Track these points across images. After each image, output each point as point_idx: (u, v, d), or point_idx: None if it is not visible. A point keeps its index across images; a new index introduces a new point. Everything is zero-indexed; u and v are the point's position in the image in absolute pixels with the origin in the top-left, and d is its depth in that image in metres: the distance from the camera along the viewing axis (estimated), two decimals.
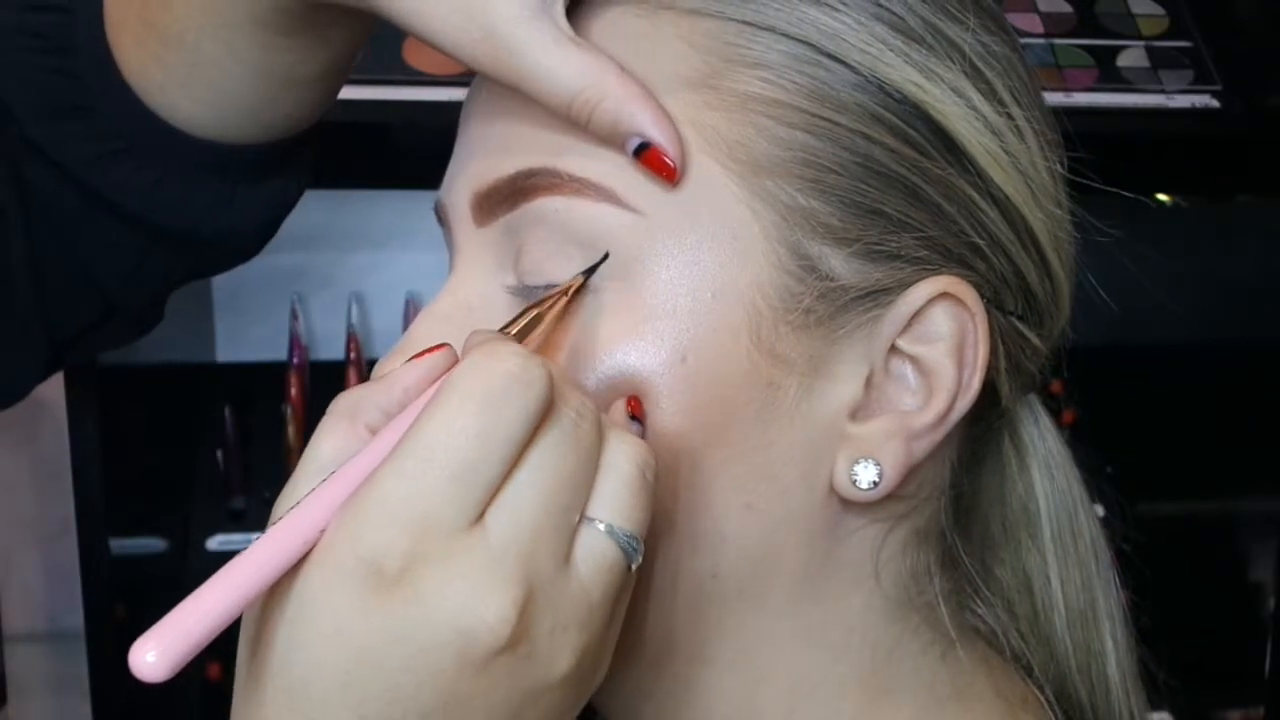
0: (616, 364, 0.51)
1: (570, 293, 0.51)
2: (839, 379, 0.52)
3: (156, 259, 0.67)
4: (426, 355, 0.48)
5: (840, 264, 0.51)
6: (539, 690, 0.45)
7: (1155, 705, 0.63)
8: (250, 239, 0.69)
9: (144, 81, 0.62)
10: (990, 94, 0.52)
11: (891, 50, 0.51)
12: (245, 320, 1.60)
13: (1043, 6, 1.41)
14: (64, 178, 0.65)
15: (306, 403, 1.52)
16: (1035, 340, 0.55)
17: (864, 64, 0.51)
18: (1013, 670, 0.58)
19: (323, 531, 0.44)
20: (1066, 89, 1.33)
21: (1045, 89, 0.56)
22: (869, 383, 0.52)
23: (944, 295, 0.51)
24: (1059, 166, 0.55)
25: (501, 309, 0.53)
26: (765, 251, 0.51)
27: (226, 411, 1.50)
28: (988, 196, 0.52)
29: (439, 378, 0.48)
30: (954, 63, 0.52)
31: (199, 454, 1.53)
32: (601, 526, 0.46)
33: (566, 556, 0.45)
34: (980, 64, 0.52)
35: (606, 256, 0.51)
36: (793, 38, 0.51)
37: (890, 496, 0.52)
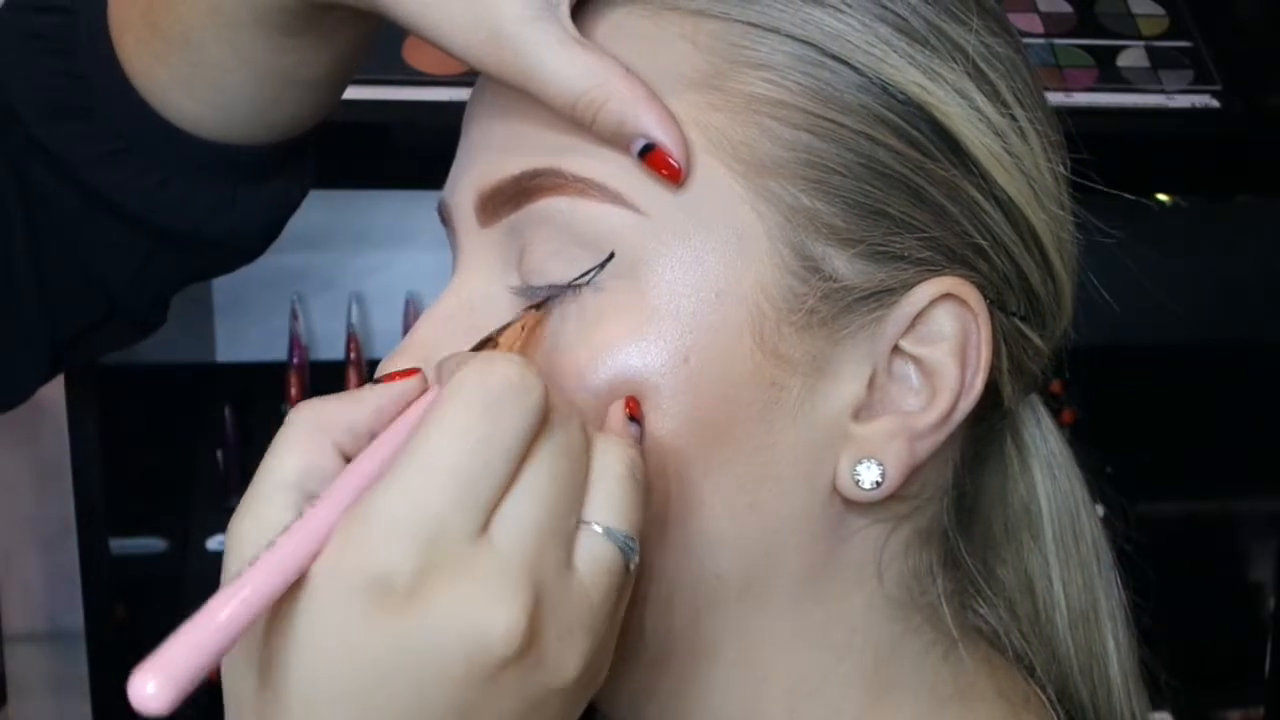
0: (619, 364, 0.51)
1: (525, 329, 0.51)
2: (842, 379, 0.52)
3: (160, 260, 0.67)
4: (399, 379, 0.48)
5: (844, 265, 0.51)
6: (546, 695, 0.45)
7: (1156, 705, 0.63)
8: (254, 240, 0.69)
9: (147, 82, 0.62)
10: (994, 95, 0.52)
11: (895, 51, 0.51)
12: (245, 320, 1.60)
13: (1043, 6, 1.41)
14: (67, 178, 0.65)
15: None
16: (1037, 341, 0.55)
17: (868, 65, 0.51)
18: (1015, 670, 0.58)
19: (315, 555, 0.43)
20: (1066, 89, 1.33)
21: (1045, 89, 0.56)
22: (872, 383, 0.52)
23: (947, 296, 0.51)
24: (1062, 167, 0.55)
25: (505, 309, 0.53)
26: (769, 252, 0.51)
27: (226, 411, 1.50)
28: (991, 198, 0.52)
29: (410, 401, 0.48)
30: (957, 64, 0.52)
31: (199, 454, 1.53)
32: (599, 529, 0.46)
33: (568, 561, 0.45)
34: (984, 65, 0.52)
35: (611, 257, 0.51)
36: (797, 39, 0.51)
37: (893, 497, 0.52)
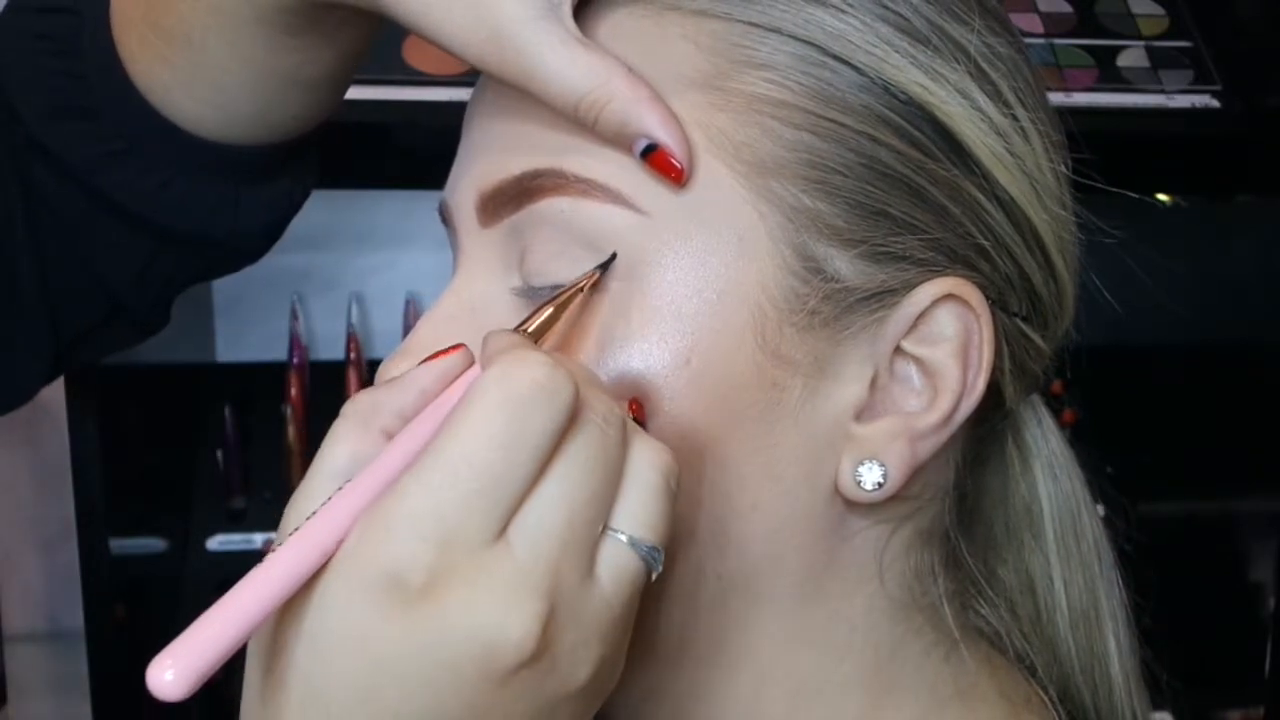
0: (622, 365, 0.51)
1: (586, 288, 0.50)
2: (844, 380, 0.52)
3: (162, 260, 0.67)
4: (442, 356, 0.48)
5: (845, 265, 0.51)
6: (558, 701, 0.45)
7: (1157, 705, 0.63)
8: (256, 240, 0.69)
9: (149, 82, 0.62)
10: (995, 95, 0.52)
11: (897, 52, 0.51)
12: (245, 320, 1.60)
13: (1043, 6, 1.41)
14: (69, 179, 0.65)
15: (306, 403, 1.52)
16: (1039, 341, 0.55)
17: (869, 65, 0.51)
18: (1016, 671, 0.58)
19: (341, 542, 0.44)
20: (1066, 89, 1.33)
21: (1045, 89, 0.56)
22: (874, 384, 0.52)
23: (949, 297, 0.51)
24: (1063, 168, 0.55)
25: (506, 310, 0.53)
26: (770, 253, 0.51)
27: (226, 411, 1.50)
28: (993, 198, 0.52)
29: (455, 379, 0.47)
30: (959, 64, 0.52)
31: (199, 454, 1.53)
32: (624, 538, 0.45)
33: (590, 568, 0.45)
34: (985, 65, 0.52)
35: (614, 256, 0.51)
36: (798, 39, 0.51)
37: (894, 497, 0.52)
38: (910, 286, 0.51)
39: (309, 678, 0.43)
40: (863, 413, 0.52)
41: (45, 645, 1.59)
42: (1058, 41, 1.38)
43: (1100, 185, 0.58)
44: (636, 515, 0.46)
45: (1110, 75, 1.35)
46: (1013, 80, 0.53)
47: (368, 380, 1.40)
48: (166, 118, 0.63)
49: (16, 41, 0.65)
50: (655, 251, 0.51)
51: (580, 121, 0.50)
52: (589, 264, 0.51)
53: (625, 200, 0.51)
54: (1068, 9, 1.41)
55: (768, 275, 0.51)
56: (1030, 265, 0.54)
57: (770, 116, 0.51)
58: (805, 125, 0.51)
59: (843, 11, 0.51)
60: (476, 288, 0.54)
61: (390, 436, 0.46)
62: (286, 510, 0.46)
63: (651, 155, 0.50)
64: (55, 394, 1.22)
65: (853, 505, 0.53)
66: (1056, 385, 0.60)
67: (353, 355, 1.53)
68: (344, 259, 1.61)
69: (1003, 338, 0.53)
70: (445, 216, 0.56)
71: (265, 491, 1.51)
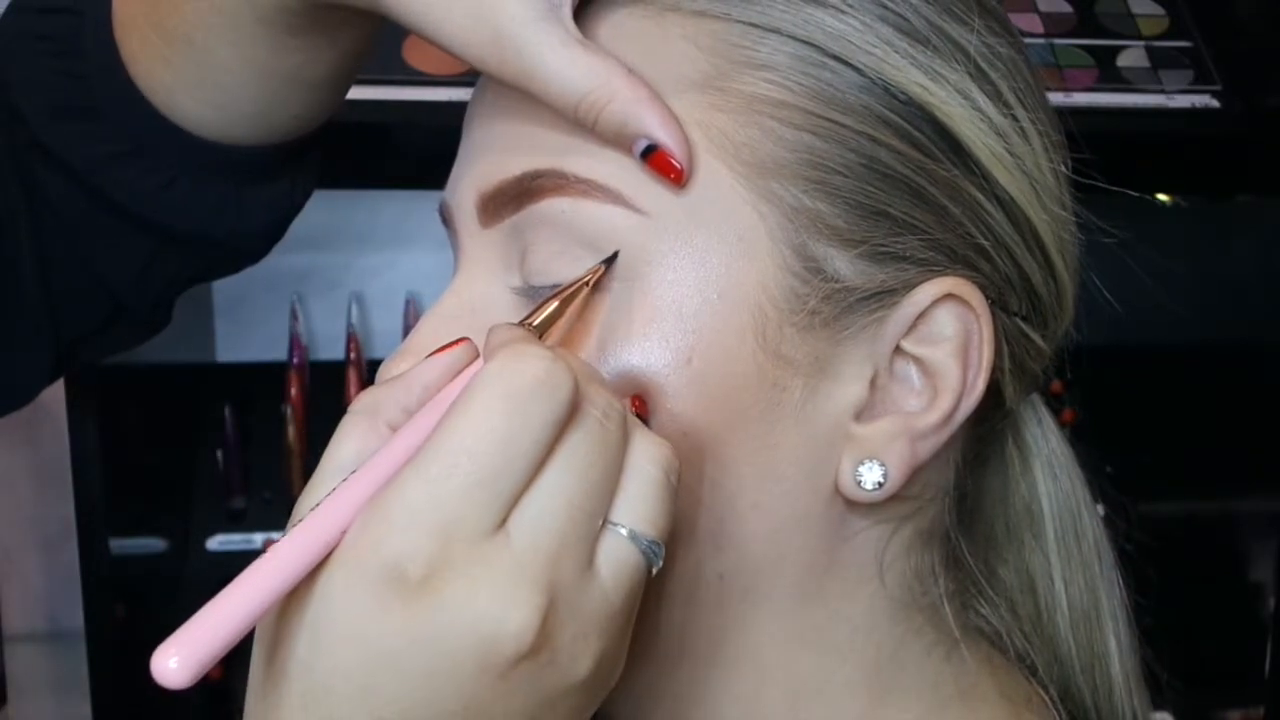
0: (622, 364, 0.51)
1: (591, 283, 0.50)
2: (844, 380, 0.52)
3: (163, 261, 0.67)
4: (447, 350, 0.48)
5: (845, 265, 0.51)
6: (557, 695, 0.45)
7: (1157, 705, 0.63)
8: (258, 241, 0.69)
9: (151, 83, 0.62)
10: (995, 95, 0.52)
11: (897, 52, 0.51)
12: (245, 320, 1.60)
13: (1043, 6, 1.41)
14: (72, 179, 0.65)
15: (306, 403, 1.52)
16: (1039, 341, 0.55)
17: (869, 66, 0.51)
18: (1017, 671, 0.58)
19: (344, 534, 0.44)
20: (1066, 89, 1.33)
21: (1045, 89, 0.56)
22: (873, 384, 0.52)
23: (949, 296, 0.51)
24: (1063, 167, 0.55)
25: (507, 310, 0.53)
26: (771, 253, 0.51)
27: (226, 411, 1.50)
28: (993, 198, 0.52)
29: (460, 373, 0.48)
30: (959, 64, 0.52)
31: (199, 454, 1.53)
32: (624, 532, 0.46)
33: (589, 562, 0.45)
34: (985, 65, 0.52)
35: (615, 256, 0.51)
36: (798, 39, 0.51)
37: (894, 497, 0.52)
38: (910, 286, 0.51)
39: (309, 670, 0.44)
40: (863, 413, 0.52)
41: (45, 645, 1.59)
42: (1058, 41, 1.38)
43: (1101, 185, 0.58)
44: (637, 509, 0.46)
45: (1110, 75, 1.35)
46: (1012, 80, 0.53)
47: (368, 380, 1.40)
48: (168, 118, 0.63)
49: (19, 42, 0.65)
50: (656, 252, 0.51)
51: (580, 122, 0.50)
52: (590, 264, 0.51)
53: (625, 201, 0.51)
54: (1068, 9, 1.41)
55: (768, 275, 0.51)
56: (1030, 265, 0.54)
57: (770, 117, 0.51)
58: (805, 125, 0.51)
59: (842, 12, 0.51)
60: (477, 288, 0.54)
61: (394, 431, 0.46)
62: (296, 508, 0.46)
63: (651, 156, 0.50)
64: (55, 394, 1.22)
65: (853, 505, 0.53)
66: (1056, 385, 0.60)
67: (353, 355, 1.53)
68: (344, 259, 1.61)
69: (1003, 337, 0.53)
70: (446, 217, 0.56)
71: (265, 491, 1.51)
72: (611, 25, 0.52)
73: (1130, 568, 0.62)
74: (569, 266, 0.51)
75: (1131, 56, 1.37)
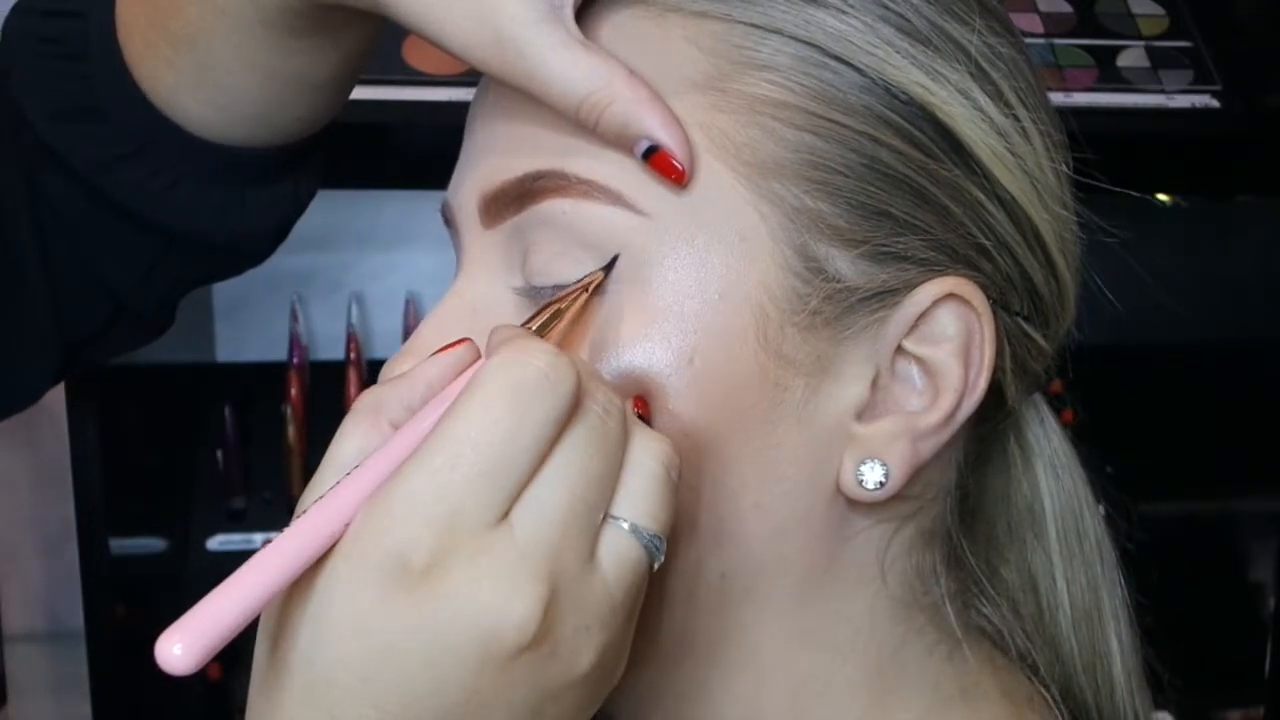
0: (624, 365, 0.51)
1: (591, 288, 0.51)
2: (845, 380, 0.52)
3: (167, 262, 0.67)
4: (449, 349, 0.49)
5: (847, 265, 0.51)
6: (560, 688, 0.45)
7: (1159, 705, 0.63)
8: (261, 242, 0.69)
9: (155, 85, 0.62)
10: (996, 95, 0.52)
11: (898, 52, 0.51)
12: (245, 321, 1.60)
13: (1043, 6, 1.41)
14: (75, 181, 0.65)
15: (306, 403, 1.52)
16: (1041, 341, 0.55)
17: (871, 66, 0.51)
18: (1018, 670, 0.58)
19: (347, 526, 0.44)
20: (1066, 89, 1.33)
21: (1046, 89, 0.56)
22: (875, 384, 0.52)
23: (950, 296, 0.51)
24: (1064, 167, 0.55)
25: (508, 311, 0.53)
26: (772, 253, 0.51)
27: (226, 411, 1.50)
28: (994, 198, 0.52)
29: (462, 372, 0.48)
30: (960, 64, 0.52)
31: (199, 454, 1.53)
32: (626, 525, 0.46)
33: (591, 554, 0.45)
34: (986, 65, 0.52)
35: (616, 258, 0.51)
36: (800, 40, 0.51)
37: (896, 497, 0.52)
38: (912, 286, 0.51)
39: (312, 662, 0.44)
40: (864, 412, 0.52)
41: (45, 645, 1.59)
42: (1058, 41, 1.38)
43: (1103, 185, 0.58)
44: (638, 503, 0.46)
45: (1110, 75, 1.36)
46: (1014, 80, 0.53)
47: (368, 380, 1.40)
48: (171, 120, 0.63)
49: (22, 44, 0.65)
50: (657, 252, 0.51)
51: (582, 123, 0.50)
52: (591, 265, 0.51)
53: (627, 202, 0.51)
54: (1068, 9, 1.41)
55: (769, 275, 0.51)
56: (1032, 264, 0.54)
57: (771, 117, 0.51)
58: (806, 126, 0.51)
59: (843, 12, 0.51)
60: (479, 288, 0.54)
61: (397, 429, 0.47)
62: (299, 506, 0.46)
63: (653, 156, 0.50)
64: (55, 394, 1.22)
65: (855, 505, 0.53)
66: (1056, 385, 0.60)
67: (353, 355, 1.53)
68: (344, 259, 1.61)
69: (1004, 337, 0.53)
70: (448, 217, 0.56)
71: (265, 491, 1.51)
72: (613, 26, 0.52)
73: (1131, 567, 0.62)
74: (570, 267, 0.51)
75: (1131, 56, 1.38)
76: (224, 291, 1.59)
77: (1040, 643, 0.59)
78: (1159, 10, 1.42)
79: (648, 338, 0.51)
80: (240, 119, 0.62)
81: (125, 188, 0.64)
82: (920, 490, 0.54)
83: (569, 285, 0.51)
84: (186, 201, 0.65)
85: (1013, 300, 0.54)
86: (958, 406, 0.52)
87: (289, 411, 1.50)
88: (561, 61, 0.50)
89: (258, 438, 1.53)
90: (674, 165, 0.50)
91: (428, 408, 0.47)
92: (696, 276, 0.51)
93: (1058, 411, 0.61)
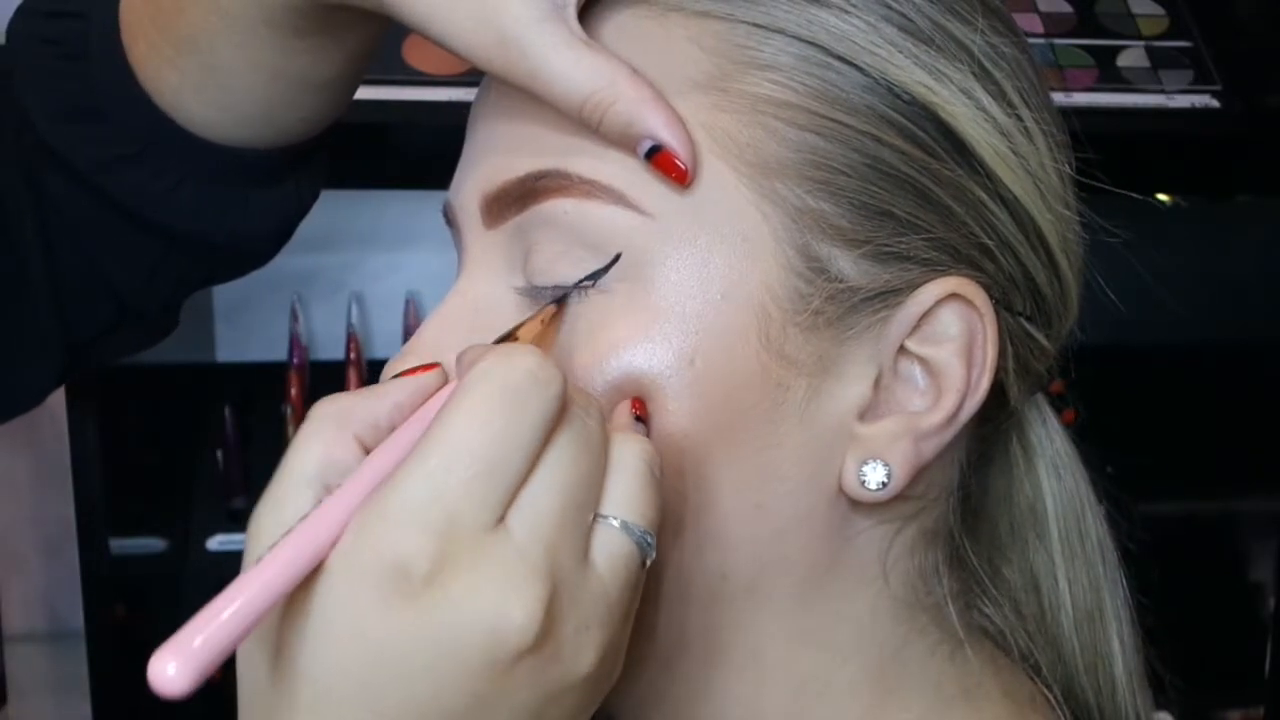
0: (626, 365, 0.51)
1: (545, 321, 0.51)
2: (847, 380, 0.52)
3: (171, 264, 0.67)
4: (418, 373, 0.49)
5: (849, 265, 0.51)
6: (561, 690, 0.45)
7: (1160, 705, 0.63)
8: (264, 243, 0.69)
9: (158, 85, 0.62)
10: (999, 95, 0.52)
11: (901, 52, 0.51)
12: (245, 321, 1.60)
13: (1043, 6, 1.41)
14: (79, 182, 0.65)
15: (306, 403, 1.52)
16: (1043, 341, 0.55)
17: (873, 66, 0.51)
18: (1020, 670, 0.58)
19: (335, 543, 0.44)
20: (1066, 89, 1.33)
21: (1048, 88, 0.56)
22: (877, 384, 0.52)
23: (953, 296, 0.51)
24: (1067, 167, 0.55)
25: (510, 311, 0.53)
26: (775, 253, 0.51)
27: (226, 411, 1.50)
28: (997, 198, 0.52)
29: (430, 395, 0.48)
30: (963, 64, 0.52)
31: (199, 454, 1.53)
32: (616, 523, 0.46)
33: (585, 554, 0.45)
34: (989, 65, 0.52)
35: (618, 258, 0.51)
36: (802, 40, 0.51)
37: (898, 497, 0.52)
38: (914, 286, 0.51)
39: (316, 673, 0.43)
40: (867, 412, 0.52)
41: (45, 645, 1.59)
42: (1058, 41, 1.38)
43: (1105, 185, 0.57)
44: (625, 501, 0.46)
45: (1110, 75, 1.36)
46: (1016, 80, 0.53)
47: (368, 380, 1.40)
48: (175, 121, 0.63)
49: (26, 45, 0.65)
50: (659, 252, 0.51)
51: (584, 123, 0.50)
52: (593, 264, 0.51)
53: (629, 201, 0.51)
54: (1068, 9, 1.41)
55: (772, 276, 0.51)
56: (1034, 264, 0.54)
57: (774, 117, 0.51)
58: (809, 126, 0.50)
59: (846, 12, 0.51)
60: (481, 288, 0.54)
61: (362, 444, 0.46)
62: (256, 511, 0.46)
63: (656, 156, 0.50)
64: (56, 395, 1.21)
65: (857, 505, 0.53)
66: (1057, 384, 0.60)
67: (353, 355, 1.53)
68: (344, 259, 1.61)
69: (1007, 337, 0.53)
70: (449, 217, 0.56)
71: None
72: (615, 26, 0.52)
73: (1132, 567, 0.61)
74: (572, 267, 0.51)
75: (1131, 56, 1.38)
76: (224, 292, 1.58)
77: (1042, 643, 0.59)
78: (1159, 10, 1.42)
79: (649, 338, 0.51)
80: (243, 119, 0.62)
81: (128, 188, 0.64)
82: (922, 490, 0.54)
83: (569, 286, 0.51)
84: (189, 202, 0.65)
85: (1015, 300, 0.54)
86: (960, 407, 0.52)
87: (289, 411, 1.50)
88: (564, 61, 0.49)
89: (258, 438, 1.53)
90: (677, 165, 0.50)
91: (411, 420, 0.47)
92: (699, 277, 0.51)
93: (1059, 411, 0.61)
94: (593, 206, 0.51)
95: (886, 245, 0.51)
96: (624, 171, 0.51)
